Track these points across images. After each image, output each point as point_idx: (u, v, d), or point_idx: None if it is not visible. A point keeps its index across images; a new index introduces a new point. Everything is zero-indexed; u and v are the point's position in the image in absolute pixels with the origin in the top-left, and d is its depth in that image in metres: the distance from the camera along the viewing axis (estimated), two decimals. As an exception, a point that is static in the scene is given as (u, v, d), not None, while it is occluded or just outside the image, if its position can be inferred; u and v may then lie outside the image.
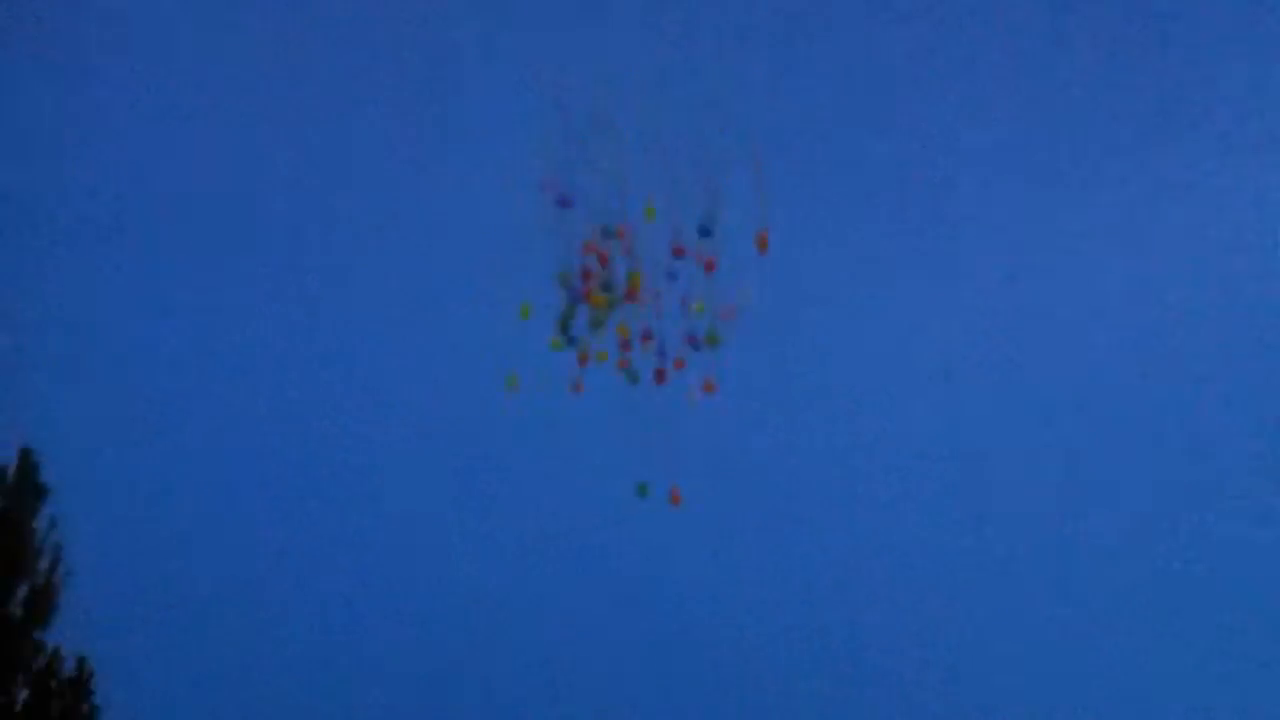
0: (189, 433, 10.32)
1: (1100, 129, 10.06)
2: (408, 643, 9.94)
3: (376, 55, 10.47)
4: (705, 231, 8.72)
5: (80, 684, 11.34)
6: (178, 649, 10.31)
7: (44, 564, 11.31)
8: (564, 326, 8.78)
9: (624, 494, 8.99)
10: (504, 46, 10.11)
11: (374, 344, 10.08)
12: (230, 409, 10.24)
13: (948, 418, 9.92)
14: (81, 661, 10.93)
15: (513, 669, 9.69)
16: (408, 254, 10.30)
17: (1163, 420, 9.87)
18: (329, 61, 10.39)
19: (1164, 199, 9.89)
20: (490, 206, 10.01)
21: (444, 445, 10.02)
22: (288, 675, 10.10)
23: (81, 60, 10.46)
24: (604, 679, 9.68)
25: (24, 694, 10.43)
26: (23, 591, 11.24)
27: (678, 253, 8.81)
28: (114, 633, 10.31)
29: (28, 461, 11.87)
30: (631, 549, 9.64)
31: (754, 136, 9.11)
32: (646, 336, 8.75)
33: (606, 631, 9.72)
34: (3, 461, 11.50)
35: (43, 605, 11.39)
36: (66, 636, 10.41)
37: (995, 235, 10.03)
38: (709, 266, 8.90)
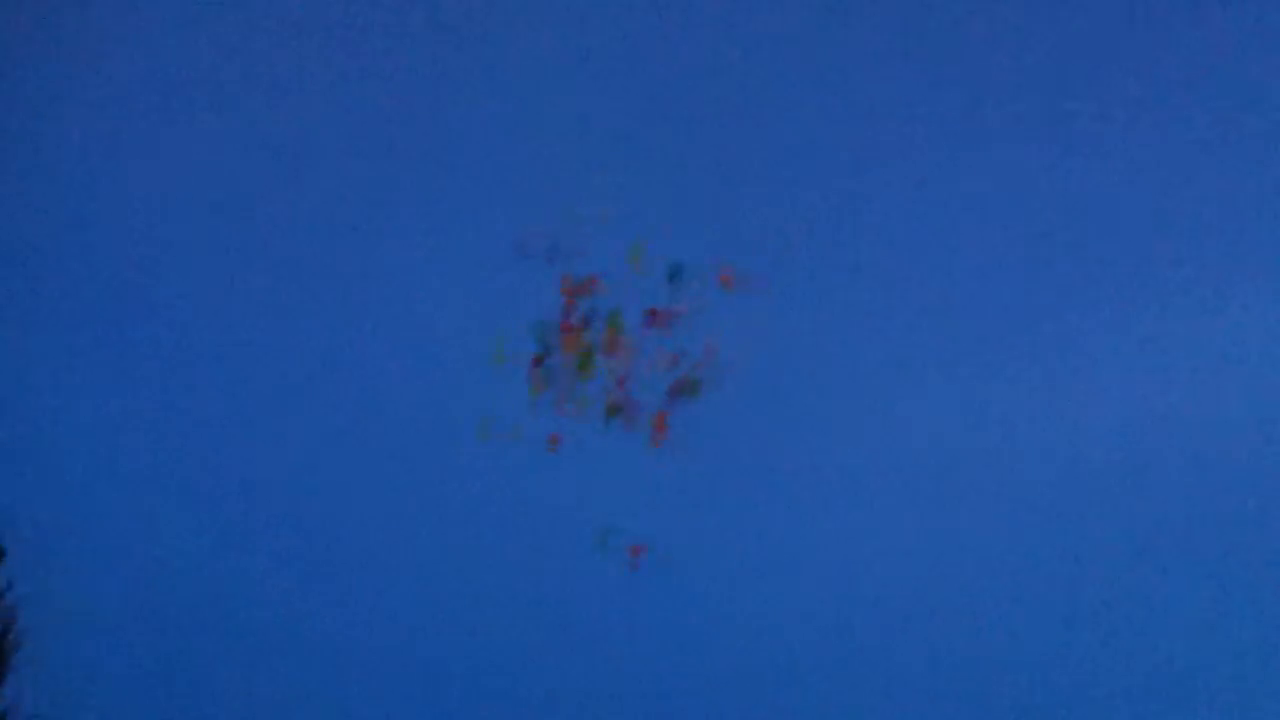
0: (153, 499, 9.95)
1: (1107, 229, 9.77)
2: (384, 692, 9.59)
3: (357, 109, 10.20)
4: (675, 275, 8.77)
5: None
6: (138, 712, 9.94)
7: (-3, 626, 11.01)
8: (540, 373, 8.56)
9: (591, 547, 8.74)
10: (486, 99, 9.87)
11: (337, 388, 9.77)
12: (193, 476, 9.88)
13: (939, 522, 9.60)
14: (35, 724, 10.61)
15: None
16: (375, 294, 9.98)
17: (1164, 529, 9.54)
18: (299, 104, 10.17)
19: (1174, 303, 9.57)
20: (464, 254, 9.76)
21: (415, 494, 9.70)
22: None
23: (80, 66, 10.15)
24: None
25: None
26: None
27: (653, 316, 8.85)
28: (71, 696, 9.91)
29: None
30: (600, 603, 9.32)
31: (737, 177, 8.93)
32: (622, 381, 8.50)
33: (584, 687, 9.37)
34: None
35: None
36: (22, 699, 10.03)
37: (998, 327, 9.69)
38: (727, 283, 8.72)
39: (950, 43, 9.88)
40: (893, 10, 9.95)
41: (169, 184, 10.42)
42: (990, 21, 9.91)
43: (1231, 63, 9.72)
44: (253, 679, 9.85)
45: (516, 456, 9.50)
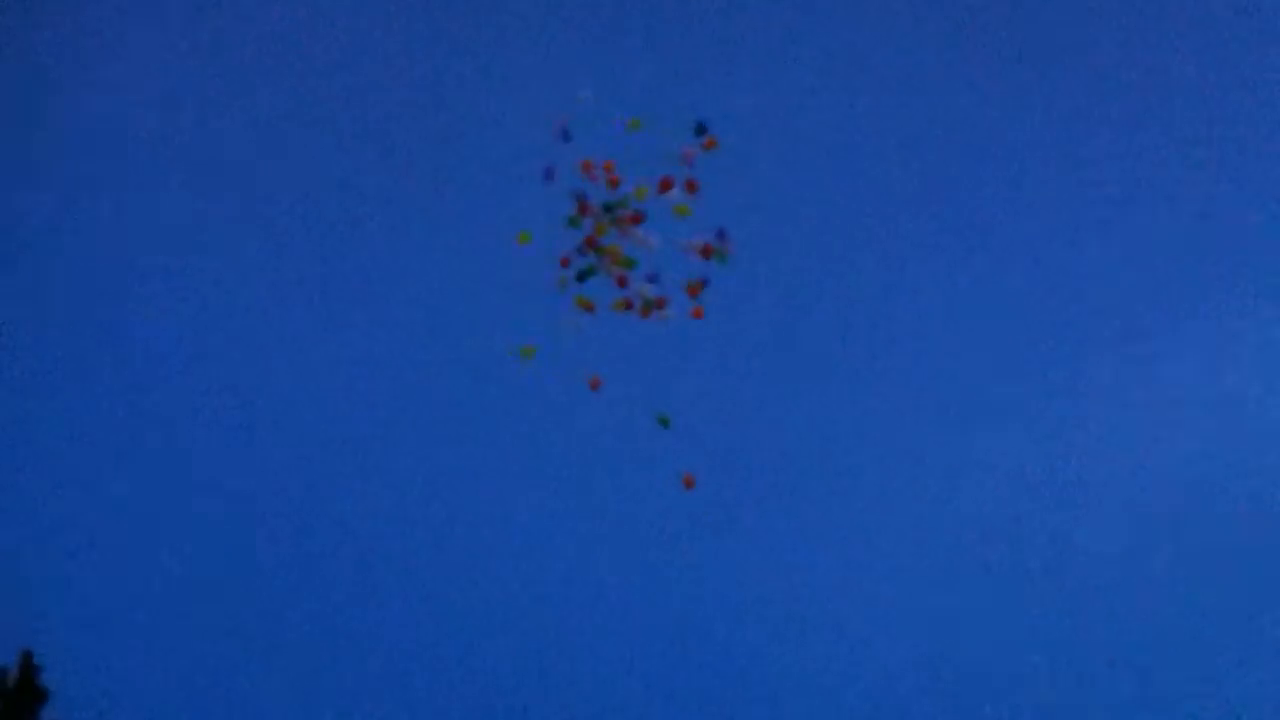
0: (192, 628, 9.54)
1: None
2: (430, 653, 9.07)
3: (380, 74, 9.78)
4: (701, 130, 8.44)
5: None
6: None
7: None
8: (580, 271, 8.26)
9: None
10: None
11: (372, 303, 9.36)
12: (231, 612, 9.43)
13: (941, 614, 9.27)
14: None
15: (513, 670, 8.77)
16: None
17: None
18: (325, 71, 9.78)
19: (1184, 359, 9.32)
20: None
21: (450, 419, 9.33)
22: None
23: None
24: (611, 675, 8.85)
25: None
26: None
27: (665, 186, 8.73)
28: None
29: (28, 664, 11.76)
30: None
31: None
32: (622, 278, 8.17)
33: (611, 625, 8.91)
34: (3, 663, 10.98)
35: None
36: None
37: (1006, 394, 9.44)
38: (690, 188, 8.39)
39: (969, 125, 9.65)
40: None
41: (187, 152, 9.96)
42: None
43: (1232, 141, 9.64)
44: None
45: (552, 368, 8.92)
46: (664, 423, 8.72)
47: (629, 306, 8.75)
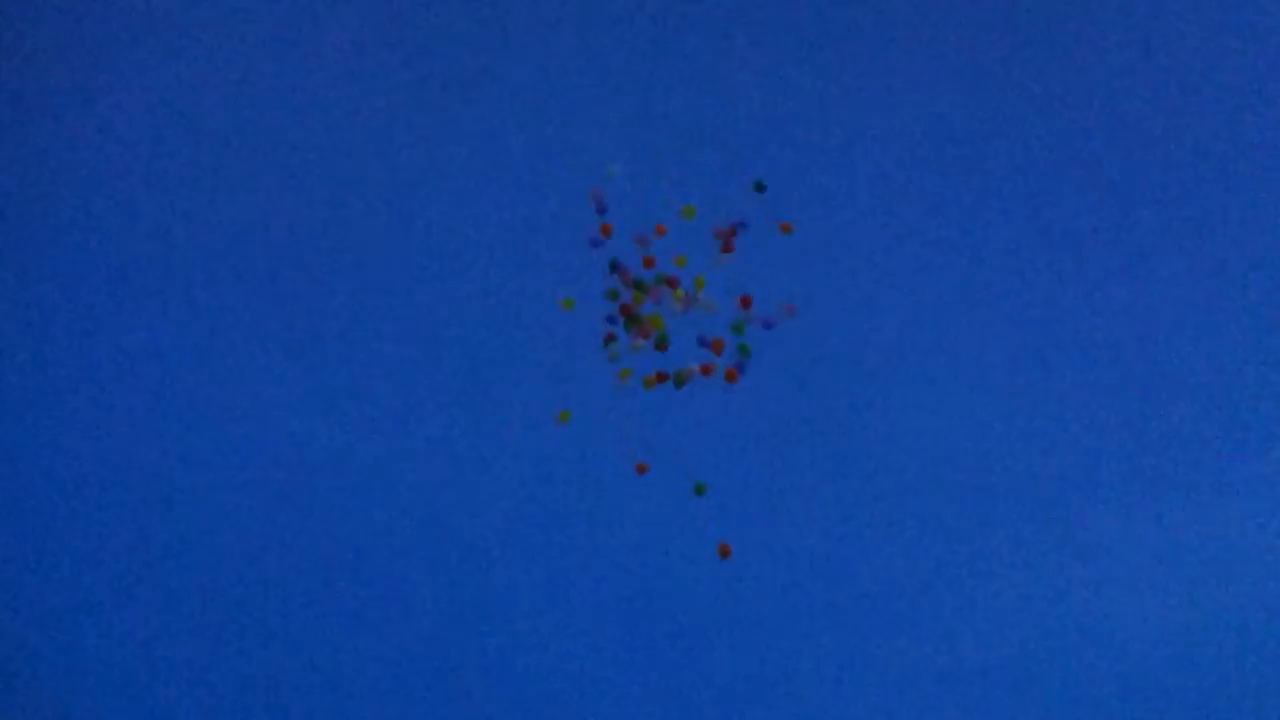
0: (191, 629, 9.53)
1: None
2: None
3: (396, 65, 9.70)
4: (761, 188, 8.29)
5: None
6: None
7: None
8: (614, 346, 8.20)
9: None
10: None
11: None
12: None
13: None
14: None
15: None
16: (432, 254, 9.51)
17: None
18: (344, 60, 9.68)
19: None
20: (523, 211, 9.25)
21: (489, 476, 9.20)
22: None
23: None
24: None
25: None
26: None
27: (721, 236, 8.34)
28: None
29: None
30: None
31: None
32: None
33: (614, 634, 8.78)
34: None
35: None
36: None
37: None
38: (725, 247, 8.35)
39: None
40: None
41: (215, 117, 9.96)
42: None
43: (1230, 245, 9.44)
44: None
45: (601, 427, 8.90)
46: (700, 490, 8.63)
47: (663, 379, 8.65)
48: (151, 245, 9.91)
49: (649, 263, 8.37)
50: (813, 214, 9.38)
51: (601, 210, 8.32)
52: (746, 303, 8.36)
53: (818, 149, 9.54)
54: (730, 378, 8.33)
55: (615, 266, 8.05)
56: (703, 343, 8.15)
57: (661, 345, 8.04)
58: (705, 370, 8.24)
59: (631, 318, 8.40)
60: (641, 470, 8.46)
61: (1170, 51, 9.55)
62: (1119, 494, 9.11)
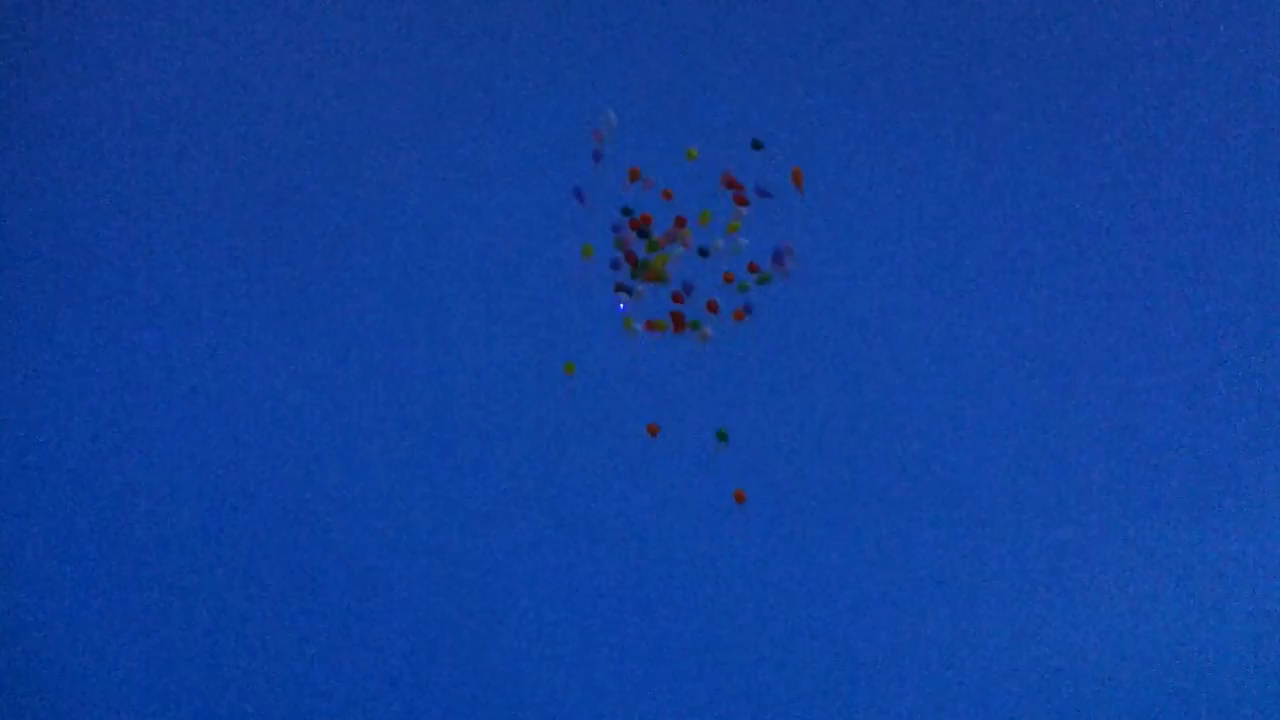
0: (188, 631, 9.42)
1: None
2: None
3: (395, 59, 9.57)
4: (758, 146, 8.18)
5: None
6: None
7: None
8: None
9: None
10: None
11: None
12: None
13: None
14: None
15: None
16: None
17: None
18: (345, 54, 9.55)
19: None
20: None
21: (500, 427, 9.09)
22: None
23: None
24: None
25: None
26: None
27: (728, 183, 8.22)
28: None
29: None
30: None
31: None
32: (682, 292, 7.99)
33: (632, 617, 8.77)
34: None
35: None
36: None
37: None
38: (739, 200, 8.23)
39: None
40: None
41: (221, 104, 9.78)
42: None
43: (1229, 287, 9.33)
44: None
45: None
46: (722, 437, 8.48)
47: (667, 326, 8.49)
48: (153, 246, 9.77)
49: (645, 219, 8.19)
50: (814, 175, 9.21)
51: (598, 159, 8.13)
52: (754, 269, 8.20)
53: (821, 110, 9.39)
54: (738, 317, 8.19)
55: (627, 214, 7.87)
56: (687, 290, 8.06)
57: (661, 279, 7.92)
58: (711, 307, 8.09)
59: (639, 265, 8.21)
60: (653, 432, 8.28)
61: (1174, 54, 9.41)
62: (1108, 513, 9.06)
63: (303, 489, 9.16)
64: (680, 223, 8.03)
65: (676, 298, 8.02)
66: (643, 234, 8.13)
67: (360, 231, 9.37)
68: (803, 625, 8.78)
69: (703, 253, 8.11)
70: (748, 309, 8.07)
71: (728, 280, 8.07)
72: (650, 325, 8.10)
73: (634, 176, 8.11)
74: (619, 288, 8.10)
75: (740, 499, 8.34)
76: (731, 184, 7.92)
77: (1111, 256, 9.07)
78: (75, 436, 9.33)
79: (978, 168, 9.11)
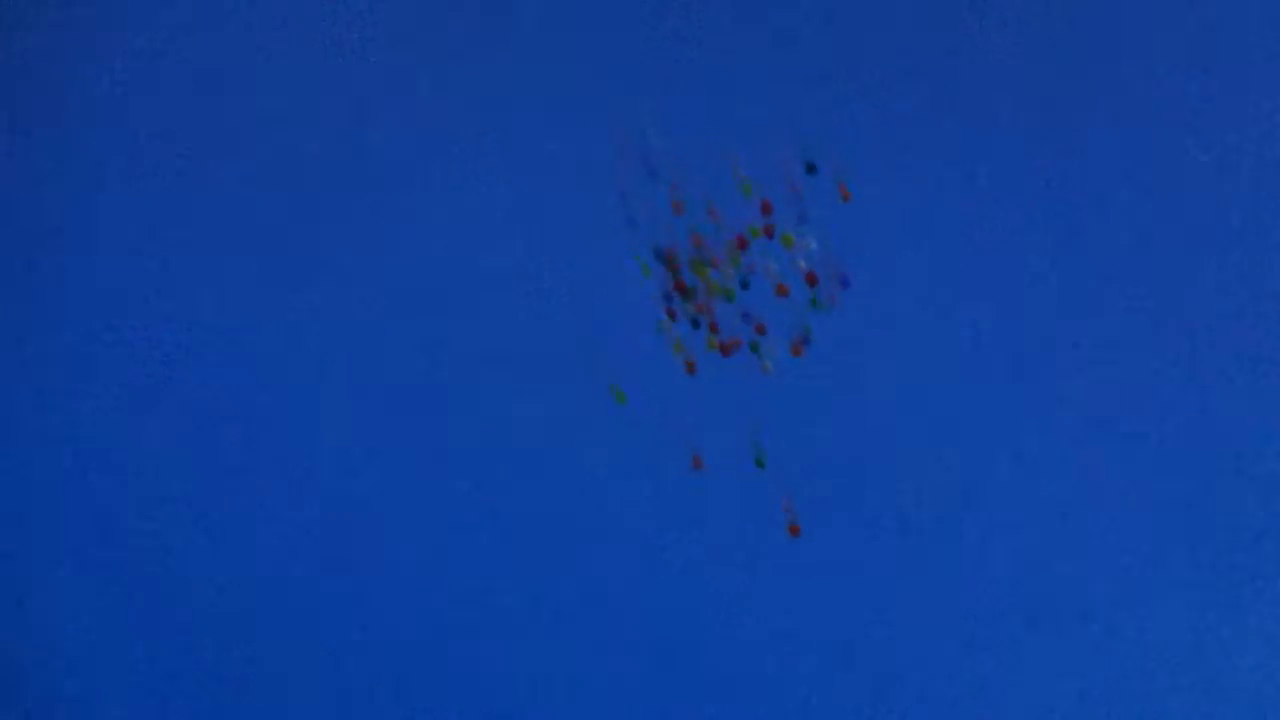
0: (189, 635, 9.38)
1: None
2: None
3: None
4: (812, 168, 8.13)
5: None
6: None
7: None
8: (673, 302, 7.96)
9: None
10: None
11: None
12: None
13: None
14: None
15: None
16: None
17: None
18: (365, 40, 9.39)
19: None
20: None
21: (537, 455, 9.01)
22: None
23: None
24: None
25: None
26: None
27: (766, 210, 8.19)
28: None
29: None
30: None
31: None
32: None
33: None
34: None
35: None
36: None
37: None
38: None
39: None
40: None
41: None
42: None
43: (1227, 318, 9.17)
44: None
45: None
46: (760, 463, 8.34)
47: (726, 349, 8.32)
48: (153, 245, 9.62)
49: (698, 242, 8.04)
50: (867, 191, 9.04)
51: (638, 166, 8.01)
52: (812, 280, 8.03)
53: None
54: (796, 351, 8.05)
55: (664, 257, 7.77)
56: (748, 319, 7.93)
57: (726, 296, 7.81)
58: (759, 330, 7.97)
59: (686, 292, 8.06)
60: (698, 465, 8.15)
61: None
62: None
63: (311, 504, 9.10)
64: (742, 243, 7.90)
65: (713, 327, 7.90)
66: (686, 267, 7.99)
67: (391, 264, 9.26)
68: (853, 659, 8.68)
69: (744, 285, 7.98)
70: (805, 340, 7.93)
71: (782, 293, 7.92)
72: (717, 346, 7.95)
73: (678, 210, 7.97)
74: (667, 321, 7.97)
75: (795, 533, 8.19)
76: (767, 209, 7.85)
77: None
78: (76, 436, 9.26)
79: (1041, 198, 8.96)
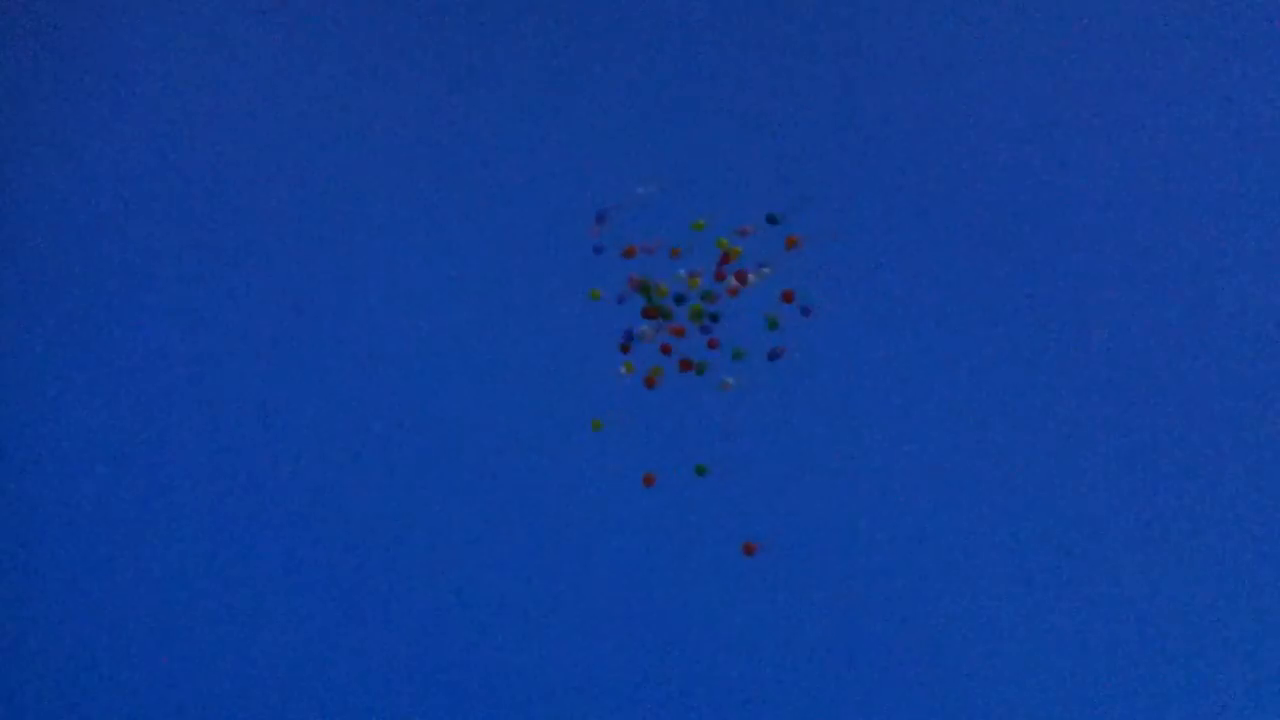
0: (189, 634, 9.50)
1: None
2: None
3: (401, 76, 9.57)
4: (773, 220, 8.19)
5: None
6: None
7: None
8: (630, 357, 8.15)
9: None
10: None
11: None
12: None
13: None
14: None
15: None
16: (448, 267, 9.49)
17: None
18: (351, 67, 9.57)
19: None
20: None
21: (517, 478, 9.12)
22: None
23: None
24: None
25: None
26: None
27: (743, 233, 8.23)
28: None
29: None
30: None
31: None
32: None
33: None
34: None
35: None
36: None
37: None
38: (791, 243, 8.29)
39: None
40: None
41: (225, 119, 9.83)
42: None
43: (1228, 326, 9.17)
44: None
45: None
46: (701, 471, 8.45)
47: (689, 367, 8.43)
48: (154, 246, 9.80)
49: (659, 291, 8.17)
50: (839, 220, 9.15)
51: (600, 220, 8.13)
52: (789, 297, 8.13)
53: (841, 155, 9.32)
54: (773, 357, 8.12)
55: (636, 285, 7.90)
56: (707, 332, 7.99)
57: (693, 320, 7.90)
58: (711, 344, 8.04)
59: (652, 313, 8.17)
60: (649, 483, 8.24)
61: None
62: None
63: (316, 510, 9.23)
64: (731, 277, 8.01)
65: (664, 347, 8.00)
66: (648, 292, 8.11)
67: (377, 278, 9.40)
68: (815, 675, 8.75)
69: (714, 318, 8.12)
70: (777, 353, 8.03)
71: (733, 295, 7.97)
72: (682, 363, 8.04)
73: (630, 253, 8.11)
74: (626, 346, 8.09)
75: (750, 551, 8.27)
76: (741, 278, 7.97)
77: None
78: (74, 437, 9.38)
79: (1008, 234, 9.06)
